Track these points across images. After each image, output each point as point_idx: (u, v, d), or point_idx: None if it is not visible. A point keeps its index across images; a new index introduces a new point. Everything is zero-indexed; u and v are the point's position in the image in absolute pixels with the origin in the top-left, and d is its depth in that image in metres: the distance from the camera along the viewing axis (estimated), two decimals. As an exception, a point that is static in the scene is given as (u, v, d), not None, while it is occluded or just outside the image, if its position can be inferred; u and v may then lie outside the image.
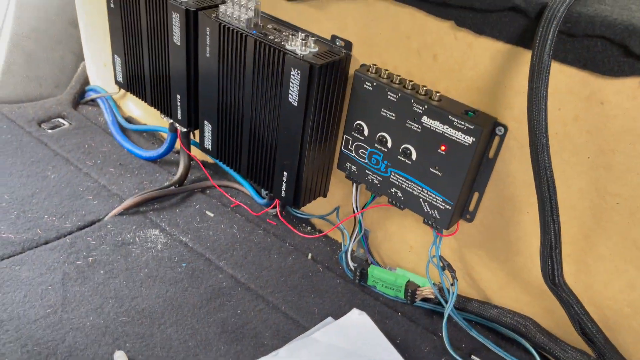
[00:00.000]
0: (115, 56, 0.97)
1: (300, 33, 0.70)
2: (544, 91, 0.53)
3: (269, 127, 0.77)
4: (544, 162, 0.55)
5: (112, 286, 0.76)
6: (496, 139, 0.64)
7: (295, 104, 0.71)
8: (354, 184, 0.78)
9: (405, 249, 0.82)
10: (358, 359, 0.69)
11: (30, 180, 0.93)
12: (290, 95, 0.71)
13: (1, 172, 0.94)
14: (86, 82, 1.23)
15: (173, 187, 0.96)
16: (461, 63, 0.64)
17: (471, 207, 0.70)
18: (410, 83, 0.67)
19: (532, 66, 0.53)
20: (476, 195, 0.69)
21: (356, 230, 0.82)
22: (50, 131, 1.09)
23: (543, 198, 0.56)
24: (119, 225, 0.87)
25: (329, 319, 0.75)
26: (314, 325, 0.74)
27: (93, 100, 1.20)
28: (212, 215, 0.92)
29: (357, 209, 0.80)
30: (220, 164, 0.98)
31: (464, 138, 0.63)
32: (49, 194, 0.91)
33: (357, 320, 0.75)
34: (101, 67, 1.17)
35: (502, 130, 0.63)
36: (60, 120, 1.13)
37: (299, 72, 0.68)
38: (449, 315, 0.71)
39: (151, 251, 0.83)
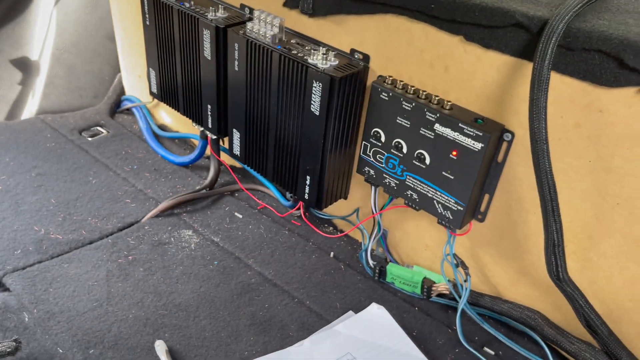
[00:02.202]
0: (150, 69, 1.04)
1: (321, 47, 0.76)
2: (543, 102, 0.58)
3: (293, 135, 0.83)
4: (545, 167, 0.59)
5: (151, 282, 0.83)
6: (504, 144, 0.69)
7: (317, 113, 0.77)
8: (373, 187, 0.83)
9: (422, 248, 0.87)
10: (377, 350, 0.74)
11: (74, 185, 1.01)
12: (312, 106, 0.77)
13: (48, 178, 1.02)
14: (122, 92, 1.31)
15: (204, 190, 1.03)
16: (471, 74, 0.69)
17: (482, 208, 0.75)
18: (424, 93, 0.72)
19: (532, 79, 0.58)
20: (487, 197, 0.74)
21: (375, 230, 0.88)
22: (90, 139, 1.17)
23: (545, 199, 0.61)
24: (155, 227, 0.94)
25: (350, 312, 0.81)
26: (336, 319, 0.80)
27: (128, 109, 1.29)
28: (240, 216, 0.99)
29: (375, 210, 0.85)
30: (248, 168, 1.05)
31: (474, 144, 0.67)
32: (91, 198, 0.99)
33: (376, 313, 0.80)
34: (136, 79, 1.25)
35: (510, 136, 0.68)
36: (99, 128, 1.21)
37: (320, 84, 0.74)
38: (463, 309, 0.76)
39: (185, 250, 0.90)
